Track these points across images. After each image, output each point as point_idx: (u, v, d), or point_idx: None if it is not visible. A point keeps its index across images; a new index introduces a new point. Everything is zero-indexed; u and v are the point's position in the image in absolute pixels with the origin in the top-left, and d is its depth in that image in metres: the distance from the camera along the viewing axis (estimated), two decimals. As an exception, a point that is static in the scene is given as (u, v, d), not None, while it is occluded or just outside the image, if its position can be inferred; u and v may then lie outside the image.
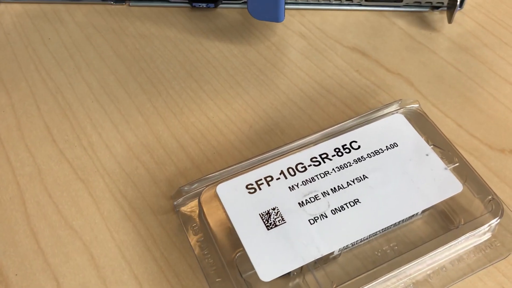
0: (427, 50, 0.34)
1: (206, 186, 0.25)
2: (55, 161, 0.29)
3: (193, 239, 0.25)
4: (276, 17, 0.31)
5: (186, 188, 0.26)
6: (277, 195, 0.25)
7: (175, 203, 0.26)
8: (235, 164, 0.27)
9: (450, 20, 0.34)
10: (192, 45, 0.34)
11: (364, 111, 0.31)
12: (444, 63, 0.33)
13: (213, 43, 0.34)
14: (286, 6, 0.36)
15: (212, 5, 0.35)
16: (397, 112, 0.28)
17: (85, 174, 0.28)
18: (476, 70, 0.33)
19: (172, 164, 0.29)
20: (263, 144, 0.29)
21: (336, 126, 0.28)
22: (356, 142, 0.26)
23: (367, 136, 0.27)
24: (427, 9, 0.36)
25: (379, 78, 0.32)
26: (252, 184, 0.25)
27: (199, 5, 0.35)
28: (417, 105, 0.29)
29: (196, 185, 0.26)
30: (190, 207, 0.26)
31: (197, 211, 0.25)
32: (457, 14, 0.36)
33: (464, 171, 0.26)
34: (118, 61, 0.33)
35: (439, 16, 0.36)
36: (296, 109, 0.31)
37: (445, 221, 0.25)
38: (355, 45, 0.34)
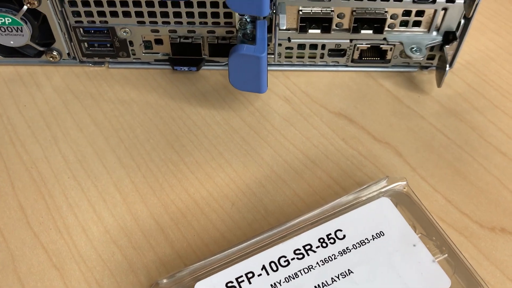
0: (416, 115, 0.33)
1: (184, 281, 0.24)
2: (29, 246, 0.28)
3: None
4: (258, 89, 0.30)
5: (164, 281, 0.25)
6: (258, 295, 0.24)
7: (152, 300, 0.25)
8: (216, 254, 0.25)
9: (439, 84, 0.33)
10: (174, 112, 0.33)
11: (350, 185, 0.30)
12: (433, 130, 0.32)
13: (195, 109, 0.33)
14: (270, 68, 0.35)
15: (194, 68, 0.34)
16: (383, 196, 0.27)
17: (60, 262, 0.27)
18: (466, 138, 0.32)
19: (151, 249, 0.27)
20: (245, 224, 0.28)
21: (321, 209, 0.27)
22: (341, 230, 0.25)
23: (352, 223, 0.26)
24: (415, 69, 0.35)
25: (366, 147, 0.31)
26: (232, 282, 0.24)
27: (181, 69, 0.34)
28: (405, 182, 0.28)
29: (175, 277, 0.25)
30: (168, 302, 0.25)
31: (175, 308, 0.24)
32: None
33: (453, 261, 0.25)
34: (96, 131, 0.32)
35: (428, 77, 0.35)
36: (280, 183, 0.30)
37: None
38: (341, 110, 0.33)
